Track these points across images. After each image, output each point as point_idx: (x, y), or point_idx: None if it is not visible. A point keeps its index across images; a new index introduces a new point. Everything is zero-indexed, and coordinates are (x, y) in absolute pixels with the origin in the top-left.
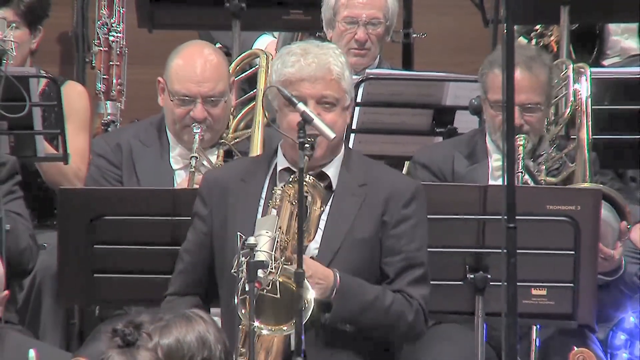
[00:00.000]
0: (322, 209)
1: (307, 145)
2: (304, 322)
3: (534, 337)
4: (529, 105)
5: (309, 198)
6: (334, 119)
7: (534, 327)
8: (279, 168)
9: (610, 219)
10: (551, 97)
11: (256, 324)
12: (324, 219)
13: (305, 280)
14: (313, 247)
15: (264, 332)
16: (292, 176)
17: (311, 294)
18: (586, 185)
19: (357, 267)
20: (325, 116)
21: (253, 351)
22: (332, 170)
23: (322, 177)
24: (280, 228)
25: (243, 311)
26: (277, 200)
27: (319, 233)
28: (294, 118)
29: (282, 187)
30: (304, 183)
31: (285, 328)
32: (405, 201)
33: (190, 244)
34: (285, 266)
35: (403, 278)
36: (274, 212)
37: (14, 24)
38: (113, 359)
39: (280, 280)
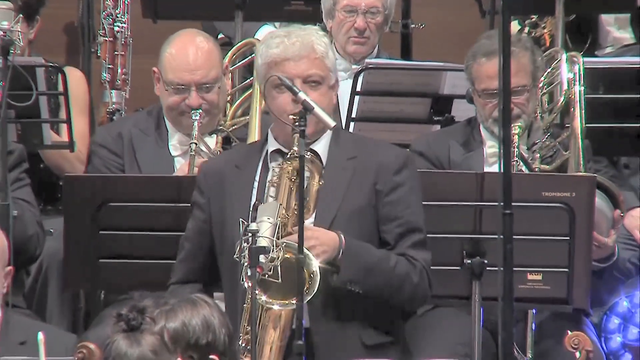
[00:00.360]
0: (320, 183)
1: (303, 128)
2: (313, 293)
3: (530, 322)
4: (515, 89)
5: (307, 173)
6: (320, 97)
7: (530, 312)
8: (270, 150)
9: (604, 208)
10: (537, 77)
11: (264, 298)
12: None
13: (309, 253)
14: (308, 221)
15: (275, 307)
16: (289, 152)
17: (316, 265)
18: (580, 174)
19: (354, 237)
20: (312, 94)
21: (256, 325)
22: (320, 147)
23: (312, 154)
24: (281, 212)
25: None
26: (276, 178)
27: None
28: (283, 100)
29: (280, 164)
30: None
31: (293, 302)
32: (396, 169)
33: (190, 232)
34: (289, 242)
35: (403, 242)
36: (273, 193)
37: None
38: (118, 343)
39: (287, 256)
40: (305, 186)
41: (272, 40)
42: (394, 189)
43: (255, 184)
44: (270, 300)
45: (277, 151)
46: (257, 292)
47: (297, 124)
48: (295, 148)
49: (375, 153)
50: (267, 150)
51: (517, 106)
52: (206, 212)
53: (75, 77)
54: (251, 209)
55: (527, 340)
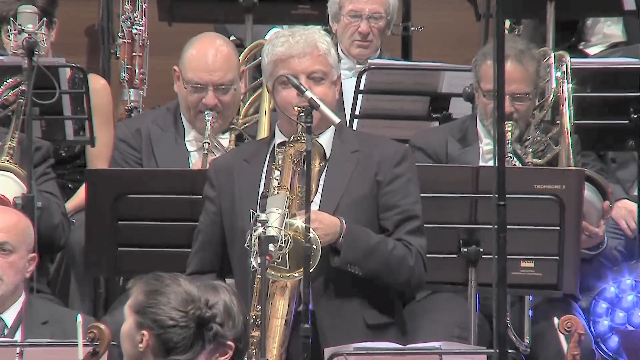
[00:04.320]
0: (321, 164)
1: (302, 114)
2: (314, 265)
3: (527, 308)
4: (519, 95)
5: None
6: (324, 91)
7: (527, 298)
8: (276, 143)
9: (594, 199)
10: (539, 87)
11: (269, 270)
12: (321, 183)
13: (315, 235)
14: (313, 208)
15: (279, 279)
16: (292, 136)
17: (317, 242)
18: (570, 168)
19: (356, 223)
20: (316, 89)
21: (266, 300)
22: (325, 140)
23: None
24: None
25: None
26: (280, 161)
27: (318, 195)
28: (288, 94)
29: (284, 148)
30: (303, 142)
31: (296, 275)
32: (396, 161)
33: (203, 225)
34: (292, 220)
35: (401, 229)
36: (277, 176)
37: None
38: None
39: (290, 233)
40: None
41: (277, 39)
42: (393, 179)
43: (263, 176)
44: (273, 272)
45: (283, 143)
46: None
47: (301, 114)
48: (299, 134)
49: (377, 147)
50: (274, 144)
51: (517, 111)
52: (217, 204)
53: (98, 86)
54: (259, 198)
55: (525, 326)
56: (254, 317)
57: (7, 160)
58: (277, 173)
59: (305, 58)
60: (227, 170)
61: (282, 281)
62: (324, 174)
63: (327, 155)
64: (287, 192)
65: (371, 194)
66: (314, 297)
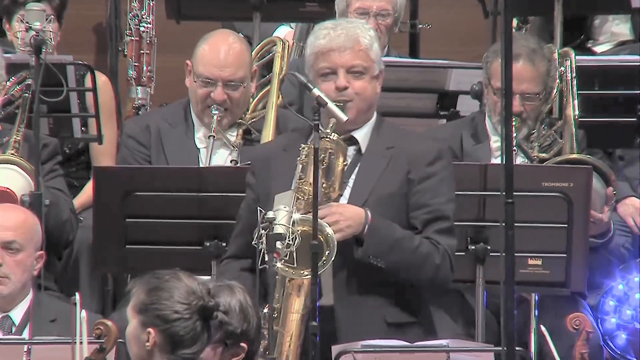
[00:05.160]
0: (345, 163)
1: (317, 122)
2: (328, 263)
3: (533, 308)
4: (529, 95)
5: (333, 154)
6: (363, 86)
7: (533, 296)
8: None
9: (597, 186)
10: (548, 87)
11: (279, 265)
12: (353, 177)
13: (328, 227)
14: (341, 200)
15: (290, 275)
16: (316, 133)
17: (332, 237)
18: (574, 156)
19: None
20: (354, 84)
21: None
22: (361, 134)
23: (352, 141)
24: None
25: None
26: (304, 157)
27: (348, 190)
28: (327, 87)
29: (308, 145)
30: (328, 140)
31: (305, 273)
32: (430, 160)
33: (243, 210)
34: (304, 216)
35: (430, 228)
36: (301, 171)
37: (52, 16)
38: None
39: (305, 229)
40: (330, 166)
41: (320, 31)
42: (425, 178)
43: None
44: (284, 267)
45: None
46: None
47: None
48: (328, 130)
49: (412, 144)
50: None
51: (527, 110)
52: (255, 191)
53: (100, 82)
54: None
55: (531, 323)
56: (271, 311)
57: (13, 154)
58: (300, 168)
59: (346, 52)
60: (265, 159)
61: (297, 279)
62: (356, 168)
63: (362, 150)
64: (310, 188)
65: (401, 192)
66: (334, 291)
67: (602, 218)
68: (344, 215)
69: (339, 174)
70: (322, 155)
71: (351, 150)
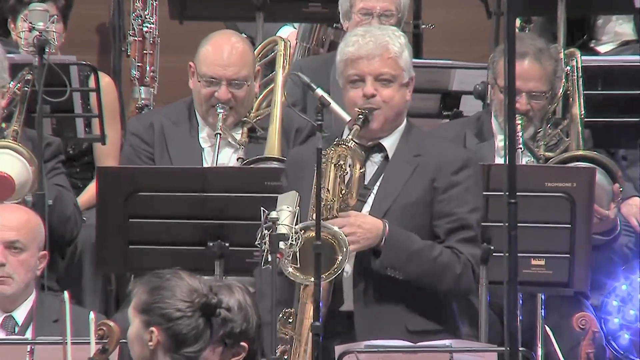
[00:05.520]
0: (362, 170)
1: (360, 117)
2: (340, 270)
3: (540, 309)
4: (535, 93)
5: (349, 161)
6: (390, 94)
7: (539, 296)
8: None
9: (604, 183)
10: (555, 86)
11: (290, 269)
12: (377, 184)
13: (343, 237)
14: (365, 210)
15: (298, 280)
16: (335, 140)
17: (345, 248)
18: (581, 152)
19: (406, 229)
20: (382, 91)
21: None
22: (390, 142)
23: (380, 148)
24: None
25: (285, 262)
26: (323, 164)
27: (372, 196)
28: (355, 94)
29: (327, 151)
30: (345, 147)
31: (312, 279)
32: (456, 169)
33: None
34: (326, 224)
35: (453, 237)
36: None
37: (55, 16)
38: None
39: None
40: (348, 174)
41: (350, 38)
42: (450, 187)
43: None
44: (294, 272)
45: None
46: (286, 264)
47: (359, 117)
48: (345, 137)
49: (438, 152)
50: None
51: (533, 109)
52: None
53: (103, 83)
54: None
55: (538, 324)
56: (284, 317)
57: (9, 141)
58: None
59: (375, 60)
60: (298, 161)
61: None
62: (382, 175)
63: (390, 156)
64: (328, 195)
65: (425, 200)
66: (354, 298)
67: (609, 215)
68: (362, 227)
69: (355, 181)
70: (341, 162)
71: (378, 157)
